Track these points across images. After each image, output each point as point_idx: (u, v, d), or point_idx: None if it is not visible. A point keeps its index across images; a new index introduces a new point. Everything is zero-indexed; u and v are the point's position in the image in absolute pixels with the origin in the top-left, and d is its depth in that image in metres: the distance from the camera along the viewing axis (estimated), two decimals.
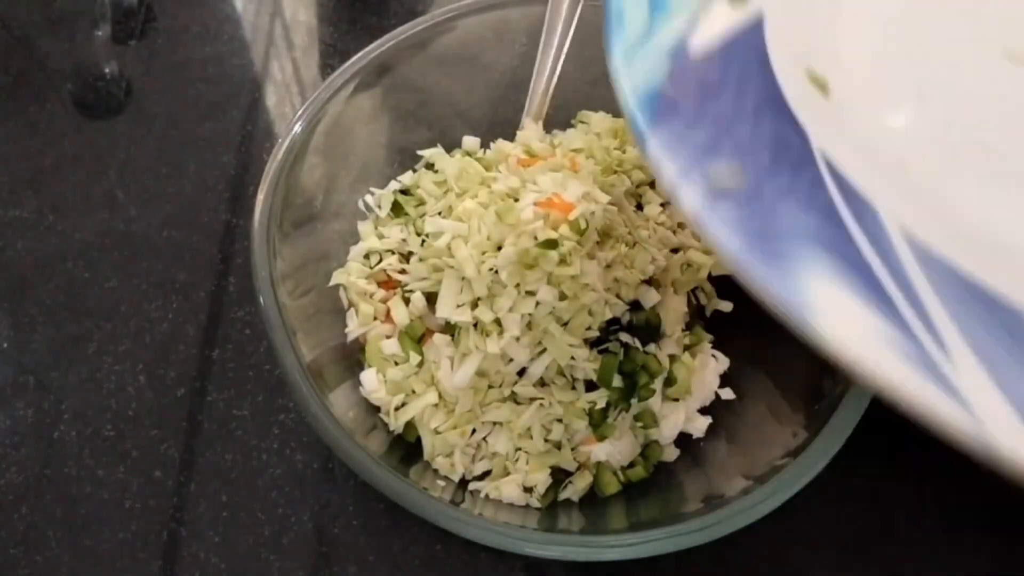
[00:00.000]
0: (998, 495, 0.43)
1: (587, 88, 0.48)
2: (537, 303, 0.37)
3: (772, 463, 0.34)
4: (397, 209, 0.44)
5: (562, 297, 0.37)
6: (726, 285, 0.45)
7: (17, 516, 0.41)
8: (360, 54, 0.42)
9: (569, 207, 0.37)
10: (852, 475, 0.43)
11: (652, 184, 0.46)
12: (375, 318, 0.41)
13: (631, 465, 0.40)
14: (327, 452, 0.43)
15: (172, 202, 0.51)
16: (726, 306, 0.45)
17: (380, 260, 0.43)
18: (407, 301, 0.40)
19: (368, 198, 0.45)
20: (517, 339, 0.37)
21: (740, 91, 0.25)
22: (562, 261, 0.37)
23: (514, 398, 0.39)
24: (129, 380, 0.45)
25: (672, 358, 0.41)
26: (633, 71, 0.25)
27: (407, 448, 0.39)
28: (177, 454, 0.43)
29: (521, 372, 0.39)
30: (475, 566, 0.40)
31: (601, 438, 0.39)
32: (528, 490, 0.38)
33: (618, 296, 0.39)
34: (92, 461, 0.42)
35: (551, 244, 0.36)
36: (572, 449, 0.39)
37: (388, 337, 0.40)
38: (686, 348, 0.42)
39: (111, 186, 0.52)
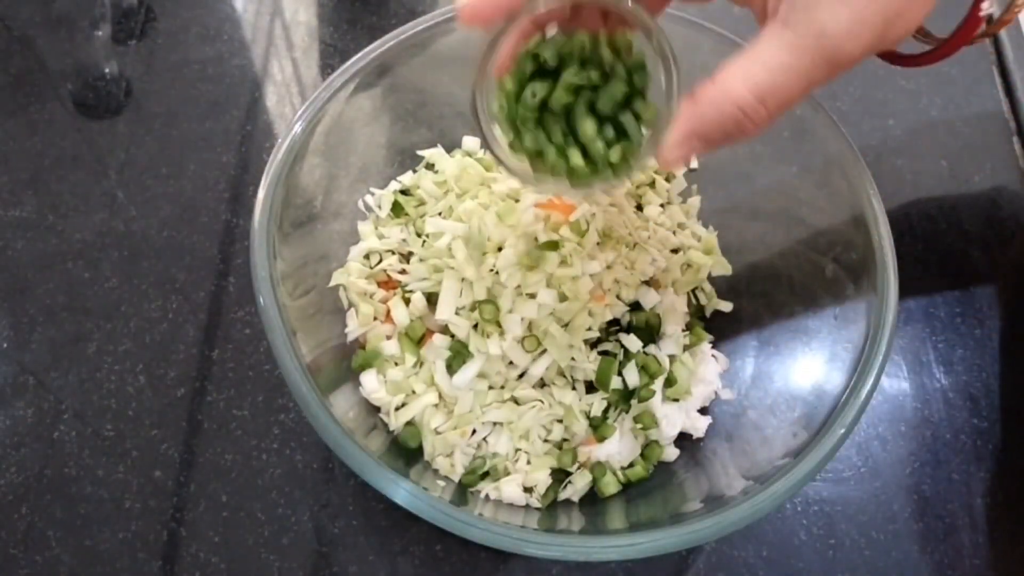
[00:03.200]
0: (993, 498, 0.43)
1: None
2: (538, 305, 0.37)
3: (772, 463, 0.34)
4: (397, 209, 0.44)
5: (563, 299, 0.37)
6: (726, 285, 0.46)
7: (17, 516, 0.41)
8: (360, 54, 0.41)
9: (570, 209, 0.37)
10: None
11: (652, 184, 0.46)
12: (375, 318, 0.41)
13: (631, 465, 0.40)
14: (327, 452, 0.42)
15: (172, 202, 0.51)
16: (726, 306, 0.45)
17: (380, 260, 0.43)
18: (407, 301, 0.40)
19: (368, 198, 0.45)
20: (518, 341, 0.37)
21: None
22: (563, 262, 0.37)
23: (514, 398, 0.39)
24: (129, 380, 0.45)
25: (672, 358, 0.41)
26: None
27: (407, 448, 0.39)
28: (177, 454, 0.43)
29: (522, 373, 0.39)
30: (475, 566, 0.40)
31: (601, 439, 0.39)
32: (528, 490, 0.38)
33: (618, 297, 0.39)
34: (92, 461, 0.42)
35: (552, 246, 0.36)
36: (572, 449, 0.39)
37: (388, 338, 0.40)
38: (686, 348, 0.42)
39: (111, 186, 0.52)
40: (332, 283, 0.42)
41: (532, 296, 0.37)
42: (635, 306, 0.40)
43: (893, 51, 0.32)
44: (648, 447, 0.40)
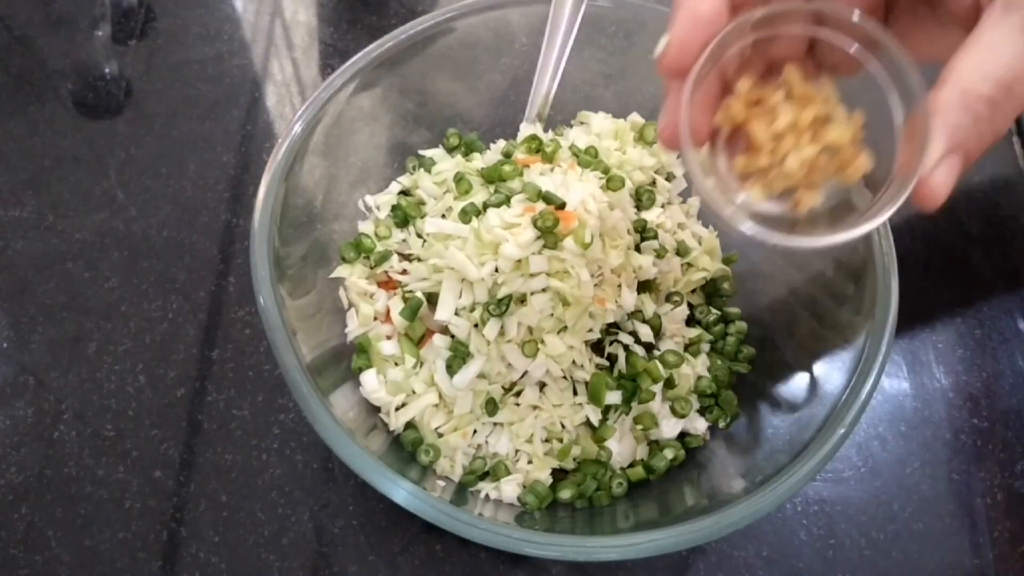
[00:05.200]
0: (993, 498, 0.43)
1: (587, 88, 0.48)
2: (538, 311, 0.37)
3: (772, 463, 0.34)
4: (398, 211, 0.44)
5: (564, 303, 0.37)
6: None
7: (17, 516, 0.41)
8: (360, 54, 0.41)
9: (571, 216, 0.37)
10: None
11: (653, 184, 0.46)
12: (375, 318, 0.41)
13: (631, 465, 0.40)
14: (327, 452, 0.43)
15: (172, 202, 0.51)
16: (727, 307, 0.45)
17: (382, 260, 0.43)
18: (407, 301, 0.40)
19: (368, 198, 0.45)
20: (517, 343, 0.37)
21: None
22: (564, 272, 0.37)
23: (515, 400, 0.39)
24: (129, 380, 0.45)
25: (672, 360, 0.40)
26: None
27: (407, 448, 0.39)
28: (177, 454, 0.43)
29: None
30: (475, 566, 0.40)
31: (600, 440, 0.39)
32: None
33: (618, 299, 0.39)
34: (92, 461, 0.42)
35: (552, 239, 0.36)
36: (572, 449, 0.39)
37: (388, 338, 0.40)
38: (686, 347, 0.42)
39: (111, 186, 0.52)
40: (334, 275, 0.41)
41: (533, 295, 0.37)
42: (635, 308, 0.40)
43: None
44: (648, 447, 0.40)
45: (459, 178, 0.42)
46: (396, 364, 0.40)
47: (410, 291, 0.40)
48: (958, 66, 0.23)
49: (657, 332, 0.41)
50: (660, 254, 0.42)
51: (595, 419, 0.38)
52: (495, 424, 0.39)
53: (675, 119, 0.25)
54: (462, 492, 0.38)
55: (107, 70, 0.57)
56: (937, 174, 0.23)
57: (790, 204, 0.26)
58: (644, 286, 0.41)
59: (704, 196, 0.26)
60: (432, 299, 0.39)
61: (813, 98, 0.25)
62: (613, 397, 0.38)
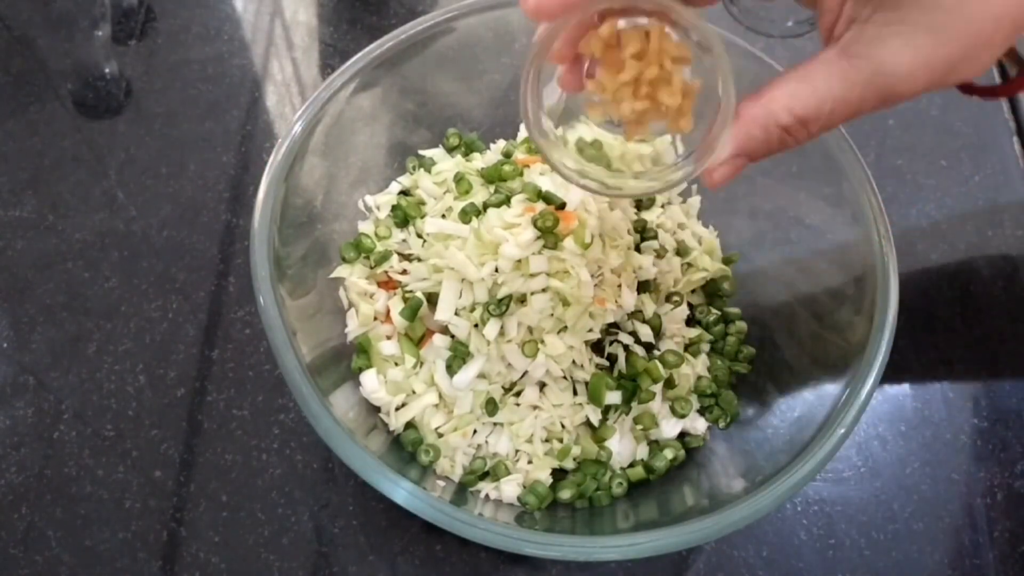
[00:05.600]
0: (993, 498, 0.43)
1: None
2: (538, 311, 0.37)
3: (772, 463, 0.34)
4: (398, 211, 0.44)
5: (564, 303, 0.37)
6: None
7: (17, 516, 0.41)
8: (360, 54, 0.41)
9: (571, 216, 0.37)
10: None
11: None
12: (375, 318, 0.41)
13: (631, 465, 0.40)
14: (327, 452, 0.43)
15: (172, 202, 0.51)
16: (727, 307, 0.45)
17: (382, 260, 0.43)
18: (407, 301, 0.40)
19: (368, 198, 0.45)
20: (517, 343, 0.37)
21: None
22: (564, 272, 0.37)
23: (515, 400, 0.39)
24: (129, 380, 0.45)
25: (672, 360, 0.40)
26: None
27: (407, 448, 0.39)
28: (177, 454, 0.43)
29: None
30: (475, 566, 0.40)
31: (600, 440, 0.39)
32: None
33: (618, 299, 0.39)
34: (92, 461, 0.42)
35: (552, 238, 0.36)
36: (572, 449, 0.39)
37: (388, 338, 0.40)
38: (686, 347, 0.42)
39: (111, 186, 0.52)
40: (334, 275, 0.41)
41: (533, 295, 0.37)
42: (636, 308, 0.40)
43: (969, 83, 0.29)
44: (648, 447, 0.40)
45: (459, 178, 0.42)
46: (396, 364, 0.40)
47: (410, 291, 0.40)
48: (774, 87, 0.26)
49: (657, 332, 0.41)
50: (660, 254, 0.42)
51: (595, 419, 0.39)
52: (495, 424, 0.39)
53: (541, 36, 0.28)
54: (462, 492, 0.38)
55: (107, 70, 0.57)
56: (721, 167, 0.28)
57: (623, 132, 0.30)
58: (644, 286, 0.41)
59: (522, 108, 0.29)
60: (432, 299, 0.39)
61: (666, 53, 0.28)
62: (613, 397, 0.38)
